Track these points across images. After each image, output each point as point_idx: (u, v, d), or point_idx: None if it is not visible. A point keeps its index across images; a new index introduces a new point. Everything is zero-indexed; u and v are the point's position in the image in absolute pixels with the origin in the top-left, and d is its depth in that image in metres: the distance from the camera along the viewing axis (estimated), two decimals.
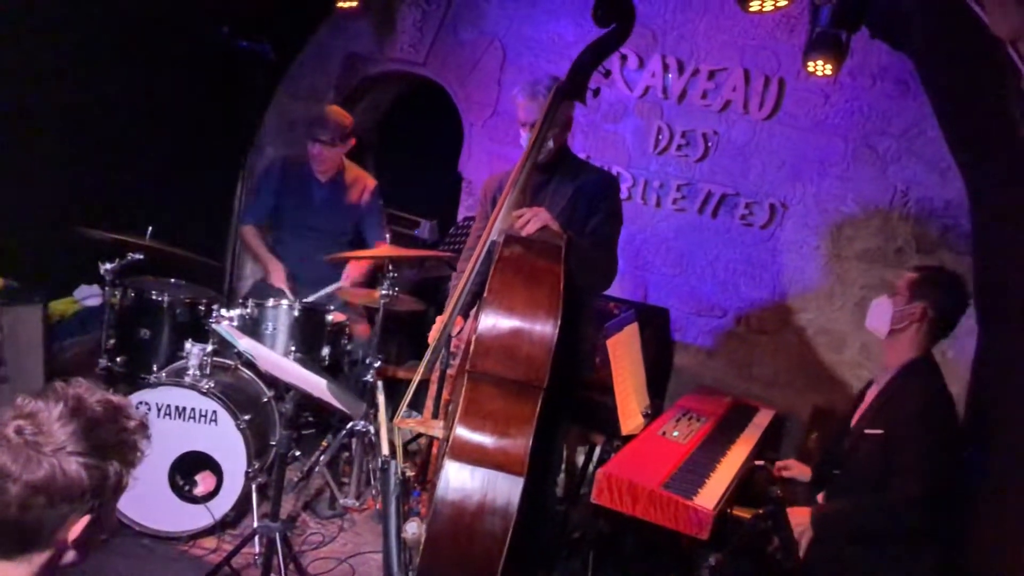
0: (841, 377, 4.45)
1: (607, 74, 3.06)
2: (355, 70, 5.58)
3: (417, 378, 2.93)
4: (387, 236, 4.18)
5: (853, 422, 2.97)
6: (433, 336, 3.10)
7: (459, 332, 3.18)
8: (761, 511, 2.87)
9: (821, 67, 3.94)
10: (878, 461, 2.77)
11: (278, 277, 4.28)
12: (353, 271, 4.27)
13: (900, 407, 2.77)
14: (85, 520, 1.31)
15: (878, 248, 4.40)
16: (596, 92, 3.05)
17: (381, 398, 2.99)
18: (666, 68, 4.72)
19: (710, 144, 4.68)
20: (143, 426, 1.39)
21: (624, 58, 4.78)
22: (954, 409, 2.82)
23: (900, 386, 2.82)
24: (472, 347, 2.57)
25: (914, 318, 2.81)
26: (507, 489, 2.42)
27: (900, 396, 2.79)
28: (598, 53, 2.97)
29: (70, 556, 1.34)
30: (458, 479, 2.45)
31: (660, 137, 4.78)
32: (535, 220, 2.78)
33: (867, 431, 2.83)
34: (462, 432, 2.49)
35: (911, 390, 2.78)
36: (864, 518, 2.75)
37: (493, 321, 2.53)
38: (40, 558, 1.29)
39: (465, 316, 3.17)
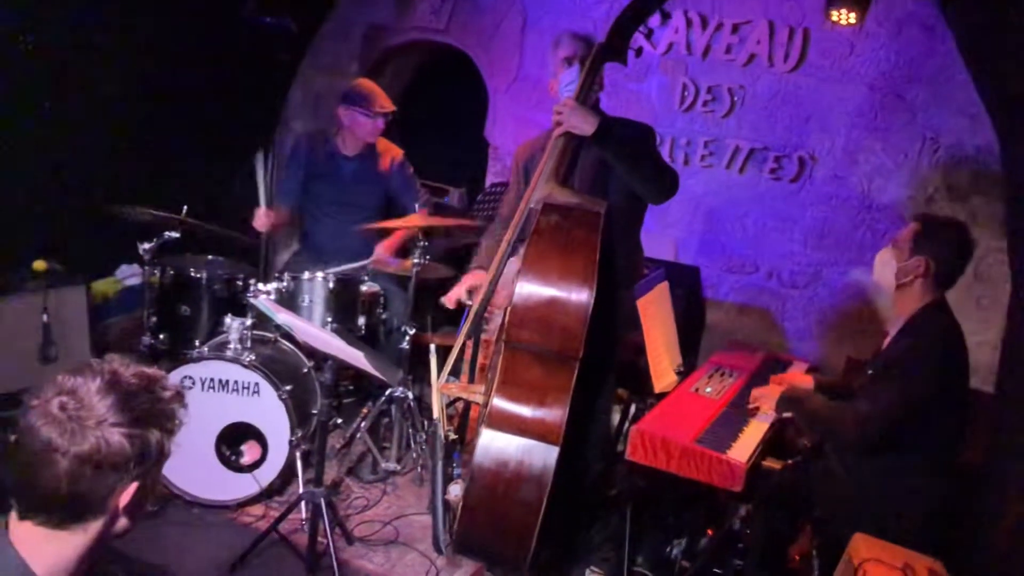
0: (874, 328, 4.41)
1: (649, 33, 2.96)
2: (377, 41, 5.59)
3: (459, 344, 2.99)
4: (422, 205, 4.16)
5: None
6: (452, 299, 3.26)
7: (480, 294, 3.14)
8: (790, 461, 2.90)
9: (845, 16, 3.90)
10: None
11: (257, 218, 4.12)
12: (387, 245, 4.25)
13: (898, 349, 2.77)
14: (133, 487, 1.39)
15: (909, 197, 4.35)
16: (639, 52, 2.96)
17: (433, 362, 3.04)
18: (689, 23, 4.68)
19: (736, 99, 4.65)
20: (179, 395, 1.46)
21: None
22: (959, 349, 2.75)
23: (908, 333, 2.80)
24: (507, 317, 2.59)
25: (918, 272, 2.75)
26: (543, 458, 2.47)
27: (904, 340, 2.78)
28: (640, 11, 2.87)
29: (122, 523, 1.43)
30: (495, 447, 2.49)
31: (686, 94, 4.76)
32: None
33: (868, 372, 2.85)
34: (499, 401, 2.53)
35: (916, 335, 2.76)
36: (820, 413, 2.81)
37: (529, 292, 2.55)
38: (95, 526, 1.38)
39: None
